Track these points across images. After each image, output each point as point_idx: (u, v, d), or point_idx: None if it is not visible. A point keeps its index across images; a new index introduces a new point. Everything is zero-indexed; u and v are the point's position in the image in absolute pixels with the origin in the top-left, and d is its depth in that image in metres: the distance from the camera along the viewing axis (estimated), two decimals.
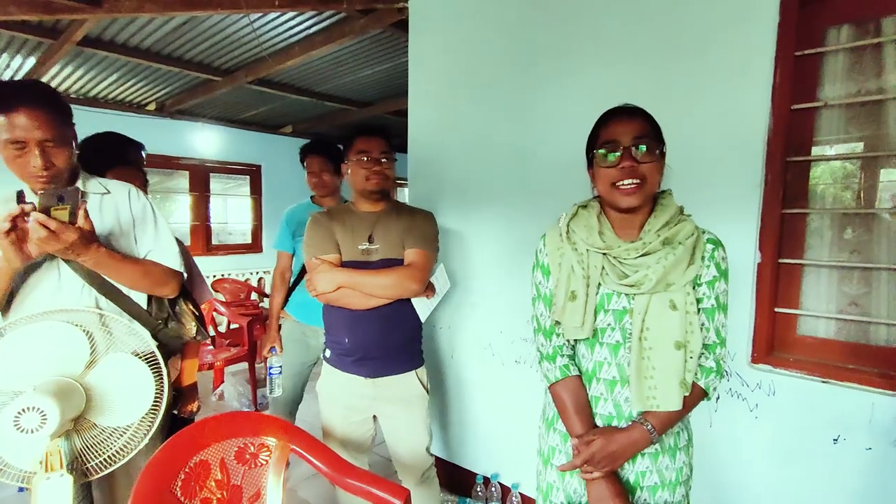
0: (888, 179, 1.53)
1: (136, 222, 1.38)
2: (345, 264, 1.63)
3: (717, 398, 1.71)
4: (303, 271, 2.29)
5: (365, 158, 1.63)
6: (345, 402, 1.71)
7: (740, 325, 1.64)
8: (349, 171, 1.69)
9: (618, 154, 1.03)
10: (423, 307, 1.72)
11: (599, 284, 1.09)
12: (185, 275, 1.46)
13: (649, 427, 1.06)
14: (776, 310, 1.62)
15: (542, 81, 2.06)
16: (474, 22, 2.28)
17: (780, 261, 1.61)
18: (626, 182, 1.03)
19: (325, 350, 1.77)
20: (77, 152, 1.29)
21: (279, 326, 2.40)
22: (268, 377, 2.31)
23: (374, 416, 1.77)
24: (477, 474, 2.33)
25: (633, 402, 1.06)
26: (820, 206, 1.60)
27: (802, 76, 1.55)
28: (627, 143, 1.03)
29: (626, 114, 1.08)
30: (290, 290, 2.38)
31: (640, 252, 1.05)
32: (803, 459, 1.56)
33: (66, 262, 1.26)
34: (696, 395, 1.09)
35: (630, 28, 1.82)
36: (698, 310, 1.08)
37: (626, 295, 1.08)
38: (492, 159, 2.25)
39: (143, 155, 1.95)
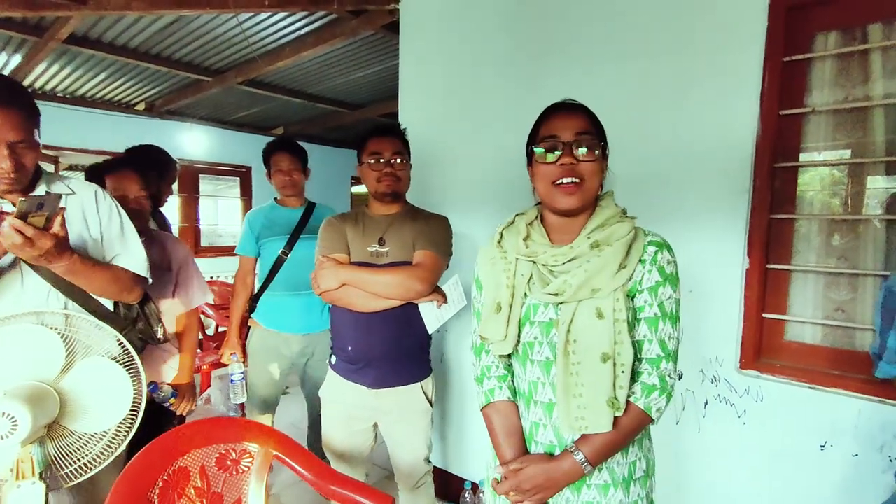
0: (875, 186, 1.54)
1: (103, 224, 1.35)
2: (353, 265, 1.59)
3: (706, 404, 1.70)
4: (269, 276, 2.24)
5: (375, 160, 1.59)
6: (347, 411, 1.68)
7: (728, 331, 1.64)
8: (362, 173, 1.65)
9: (557, 151, 0.98)
10: (431, 317, 1.63)
11: (526, 294, 1.03)
12: (150, 280, 1.43)
13: (580, 458, 0.95)
14: (764, 315, 1.62)
15: (531, 81, 2.06)
16: (465, 23, 2.27)
17: (768, 266, 1.61)
18: (565, 180, 0.97)
19: (330, 356, 1.73)
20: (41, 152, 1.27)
21: (247, 333, 2.32)
22: (230, 383, 2.23)
23: (375, 424, 1.73)
24: (465, 480, 2.30)
25: (562, 425, 0.96)
26: (808, 212, 1.60)
27: (790, 82, 1.55)
28: (568, 138, 0.97)
29: (567, 109, 1.03)
30: (258, 295, 2.30)
31: (568, 257, 0.99)
32: (791, 465, 1.55)
33: (32, 267, 1.23)
34: (634, 417, 0.96)
35: (617, 30, 1.82)
36: (636, 319, 0.99)
37: (554, 305, 1.00)
38: (483, 160, 2.24)
39: (173, 167, 2.00)
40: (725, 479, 1.68)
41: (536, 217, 1.10)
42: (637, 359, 1.00)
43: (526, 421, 1.05)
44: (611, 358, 0.95)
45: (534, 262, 1.03)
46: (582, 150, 0.97)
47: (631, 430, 0.97)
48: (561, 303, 0.98)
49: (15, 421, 1.02)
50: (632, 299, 1.00)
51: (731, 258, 1.63)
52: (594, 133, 1.00)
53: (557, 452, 1.01)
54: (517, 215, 1.13)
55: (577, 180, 0.97)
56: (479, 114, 2.24)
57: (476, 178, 2.27)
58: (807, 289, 1.60)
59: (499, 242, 1.11)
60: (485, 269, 1.12)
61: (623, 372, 0.95)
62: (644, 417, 0.97)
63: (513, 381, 1.10)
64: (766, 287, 1.62)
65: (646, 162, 1.76)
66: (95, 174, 1.72)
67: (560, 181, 0.98)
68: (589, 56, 1.90)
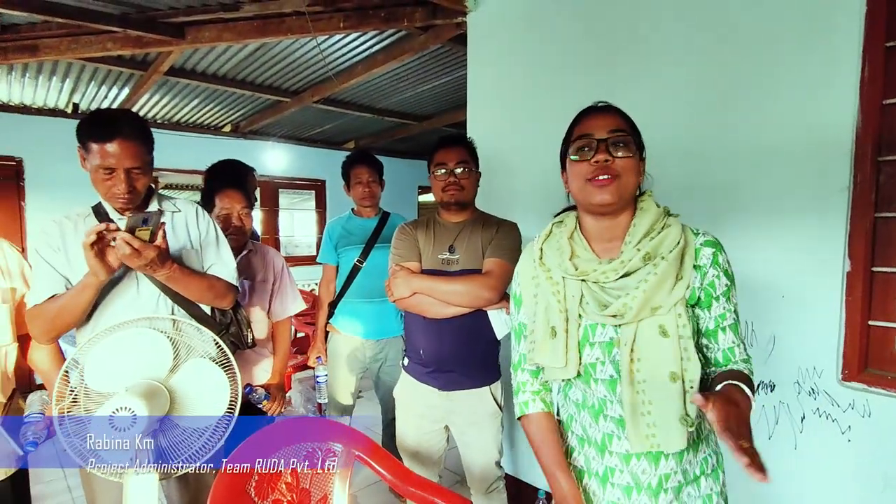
0: None
1: (202, 237, 1.49)
2: (424, 273, 1.64)
3: (803, 418, 1.58)
4: (345, 284, 2.33)
5: (441, 171, 1.64)
6: (419, 411, 1.73)
7: (828, 340, 1.51)
8: (431, 182, 1.70)
9: (591, 149, 0.95)
10: (499, 323, 1.64)
11: (580, 316, 0.99)
12: (239, 288, 1.55)
13: (740, 384, 0.87)
14: (870, 323, 1.48)
15: (599, 89, 2.02)
16: (531, 33, 2.28)
17: (874, 269, 1.47)
18: (600, 176, 0.94)
19: (403, 358, 1.79)
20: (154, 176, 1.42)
21: (326, 337, 2.43)
22: (316, 385, 2.37)
23: (447, 427, 1.77)
24: (539, 489, 2.27)
25: (632, 442, 0.94)
26: None
27: (895, 69, 1.42)
28: (602, 136, 0.95)
29: (601, 110, 1.01)
30: (336, 302, 2.39)
31: (620, 273, 0.94)
32: None
33: (145, 275, 1.37)
34: (744, 390, 0.88)
35: (694, 26, 1.75)
36: (717, 328, 0.96)
37: (613, 326, 0.96)
38: (549, 168, 2.22)
39: (253, 178, 2.14)
40: (828, 501, 1.54)
41: (576, 227, 1.04)
42: (716, 364, 0.98)
43: (598, 432, 1.02)
44: (679, 377, 0.91)
45: (584, 281, 0.98)
46: (616, 148, 0.94)
47: (750, 382, 0.90)
48: (620, 324, 0.94)
49: (134, 414, 1.14)
50: (694, 307, 0.97)
51: (829, 261, 1.51)
52: (628, 131, 0.97)
53: (634, 461, 0.98)
54: (554, 224, 1.09)
55: (611, 176, 0.94)
56: (546, 122, 2.22)
57: (542, 185, 2.25)
58: None
59: (540, 259, 1.06)
60: (528, 290, 1.08)
61: (692, 387, 0.92)
62: (750, 385, 0.90)
63: (548, 395, 1.12)
64: (871, 292, 1.48)
65: (730, 165, 1.68)
66: (207, 194, 1.88)
67: (594, 177, 0.95)
68: (660, 61, 1.84)
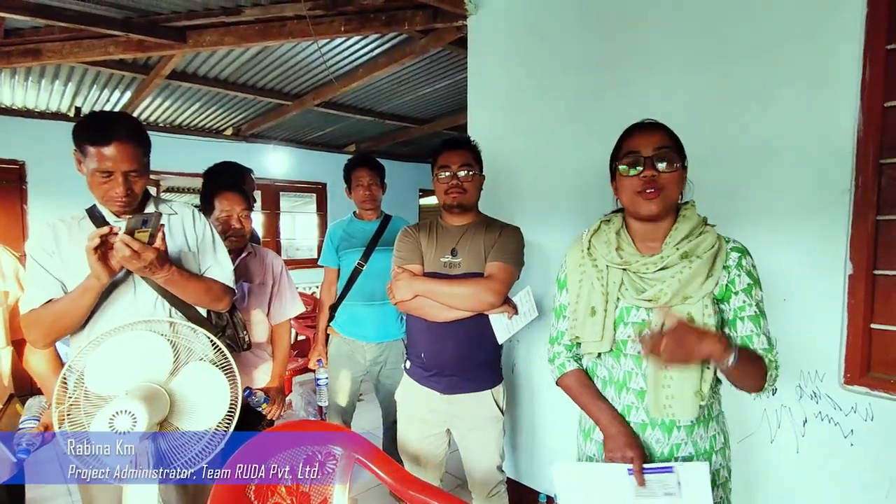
0: None
1: (199, 239, 1.48)
2: (426, 276, 1.64)
3: (805, 422, 1.57)
4: (346, 287, 2.33)
5: (444, 174, 1.64)
6: (420, 415, 1.73)
7: (830, 343, 1.51)
8: (434, 185, 1.70)
9: (639, 167, 1.07)
10: (501, 328, 1.65)
11: (619, 299, 1.12)
12: (236, 291, 1.55)
13: (734, 342, 1.01)
14: (872, 326, 1.47)
15: (600, 92, 2.02)
16: (532, 35, 2.28)
17: (876, 272, 1.47)
18: (647, 190, 1.06)
19: (405, 361, 1.79)
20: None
21: (327, 340, 2.43)
22: (316, 388, 2.37)
23: (448, 430, 1.76)
24: (540, 493, 2.26)
25: (651, 408, 1.09)
26: None
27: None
28: (648, 153, 1.06)
29: (648, 128, 1.12)
30: (336, 305, 2.39)
31: (659, 266, 1.07)
32: None
33: (142, 277, 1.37)
34: (758, 356, 1.04)
35: (695, 27, 1.75)
36: (737, 318, 1.08)
37: (646, 309, 1.10)
38: (551, 170, 2.22)
39: (251, 179, 2.13)
40: None
41: (622, 226, 1.17)
42: None
43: (618, 404, 1.15)
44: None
45: (624, 270, 1.11)
46: (662, 164, 1.06)
47: (759, 360, 1.03)
48: (654, 307, 1.07)
49: (135, 418, 1.14)
50: (717, 303, 1.09)
51: (831, 264, 1.50)
52: (672, 147, 1.08)
53: (649, 430, 1.12)
54: (602, 222, 1.22)
55: (658, 190, 1.06)
56: (547, 124, 2.23)
57: (545, 188, 2.25)
58: None
59: (588, 249, 1.19)
60: (574, 275, 1.22)
61: (708, 367, 1.06)
62: (765, 366, 1.04)
63: (580, 362, 1.27)
64: (873, 295, 1.47)
65: (731, 168, 1.67)
66: (206, 197, 1.88)
67: (642, 191, 1.07)
68: (662, 62, 1.84)
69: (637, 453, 1.05)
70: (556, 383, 1.29)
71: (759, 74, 1.61)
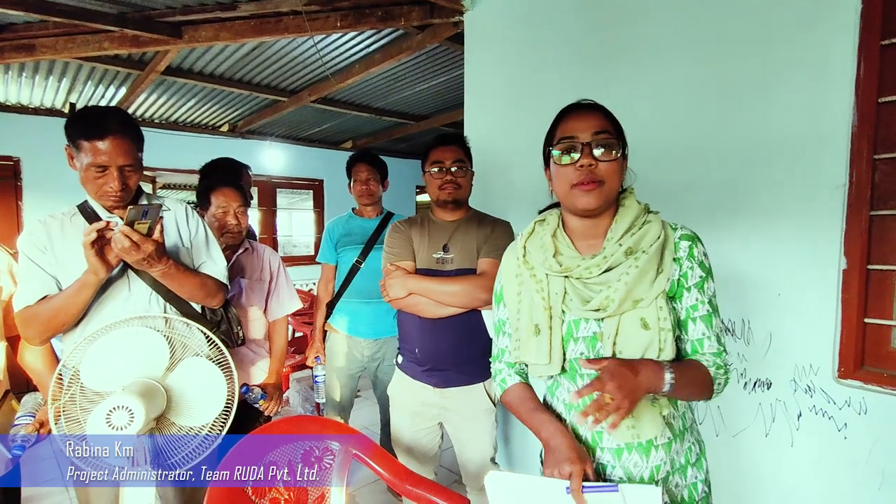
0: None
1: (192, 235, 1.48)
2: (419, 272, 1.64)
3: (799, 416, 1.58)
4: (344, 284, 2.33)
5: (437, 169, 1.65)
6: (413, 408, 1.74)
7: (823, 337, 1.52)
8: (426, 181, 1.71)
9: (575, 153, 0.95)
10: (493, 322, 1.68)
11: (564, 312, 0.99)
12: (229, 287, 1.55)
13: (666, 364, 0.91)
14: (866, 320, 1.48)
15: (596, 89, 2.02)
16: (528, 32, 2.28)
17: (869, 267, 1.47)
18: (585, 181, 0.95)
19: (397, 356, 1.80)
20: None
21: (324, 336, 2.43)
22: (314, 384, 2.38)
23: (441, 424, 1.77)
24: None
25: (616, 434, 0.95)
26: None
27: (891, 67, 1.42)
28: (586, 139, 0.95)
29: (584, 109, 1.01)
30: (334, 302, 2.39)
31: (602, 268, 0.95)
32: None
33: (136, 273, 1.36)
34: (700, 366, 0.96)
35: (691, 23, 1.75)
36: (688, 319, 0.98)
37: (596, 319, 0.97)
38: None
39: (248, 175, 2.12)
40: (825, 498, 1.54)
41: (559, 225, 1.06)
42: (685, 355, 1.01)
43: (587, 432, 1.02)
44: None
45: (566, 277, 0.99)
46: (600, 151, 0.95)
47: (699, 372, 0.96)
48: (603, 317, 0.96)
49: (132, 413, 1.14)
50: (671, 299, 0.99)
51: (825, 259, 1.51)
52: (612, 132, 0.98)
53: (626, 454, 0.98)
54: (537, 223, 1.10)
55: (597, 182, 0.95)
56: (543, 121, 2.22)
57: (540, 184, 2.25)
58: None
59: (523, 257, 1.07)
60: (511, 288, 1.09)
61: None
62: (708, 374, 0.96)
63: (525, 378, 1.14)
64: (867, 289, 1.48)
65: (727, 163, 1.68)
66: (203, 193, 1.87)
67: (580, 182, 0.96)
68: (657, 59, 1.84)
69: (577, 469, 0.90)
70: (500, 401, 1.17)
71: (755, 71, 1.61)
